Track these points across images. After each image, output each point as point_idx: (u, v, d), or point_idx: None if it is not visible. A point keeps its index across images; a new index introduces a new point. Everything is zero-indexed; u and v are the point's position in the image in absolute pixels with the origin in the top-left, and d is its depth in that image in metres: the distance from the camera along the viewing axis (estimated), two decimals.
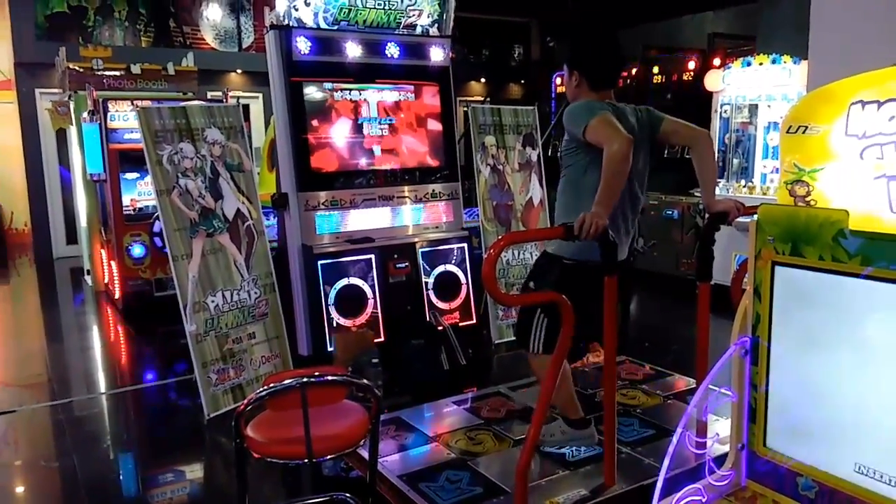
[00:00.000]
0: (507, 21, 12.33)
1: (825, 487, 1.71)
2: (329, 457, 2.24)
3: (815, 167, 1.75)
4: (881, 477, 1.61)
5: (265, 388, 2.07)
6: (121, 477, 3.48)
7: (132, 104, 5.83)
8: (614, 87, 2.95)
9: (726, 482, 1.87)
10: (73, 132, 7.01)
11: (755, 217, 1.83)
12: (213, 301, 3.84)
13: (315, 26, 4.27)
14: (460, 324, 4.62)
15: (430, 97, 4.74)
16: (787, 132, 1.79)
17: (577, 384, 3.71)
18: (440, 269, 4.61)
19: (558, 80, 10.30)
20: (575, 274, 2.80)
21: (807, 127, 1.75)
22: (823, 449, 1.72)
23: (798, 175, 1.78)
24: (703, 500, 1.82)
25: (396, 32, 4.56)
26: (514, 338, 4.87)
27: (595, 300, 2.56)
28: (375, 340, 4.21)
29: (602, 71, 2.90)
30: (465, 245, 4.75)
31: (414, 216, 4.63)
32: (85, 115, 6.15)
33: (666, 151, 6.94)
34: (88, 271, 7.34)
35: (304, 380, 2.06)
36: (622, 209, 2.82)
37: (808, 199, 1.77)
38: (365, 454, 2.44)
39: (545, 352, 2.86)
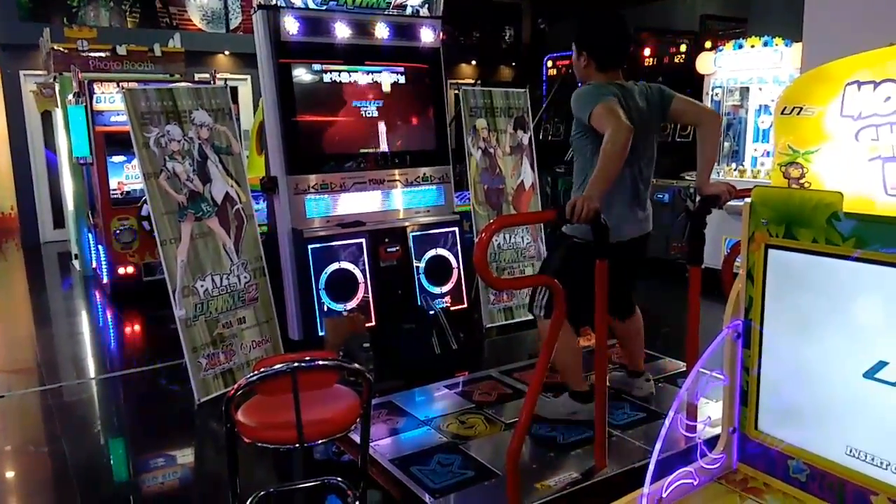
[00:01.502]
0: (497, 2, 12.23)
1: (816, 470, 1.71)
2: (320, 441, 2.23)
3: (809, 149, 1.74)
4: (872, 459, 1.61)
5: (256, 372, 2.05)
6: (110, 462, 3.47)
7: (118, 86, 5.76)
8: (622, 67, 2.96)
9: (717, 465, 1.88)
10: (58, 114, 6.91)
11: (748, 200, 1.82)
12: (202, 285, 3.81)
13: (303, 6, 4.20)
14: (451, 308, 4.61)
15: (421, 79, 4.69)
16: (782, 113, 1.78)
17: None
18: (431, 253, 4.59)
19: (549, 63, 10.24)
20: (583, 252, 2.83)
21: (801, 108, 1.73)
22: (815, 431, 1.73)
23: (792, 157, 1.76)
24: (695, 483, 1.82)
25: (386, 13, 4.50)
26: (505, 321, 4.92)
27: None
28: (366, 325, 4.19)
29: (610, 51, 2.92)
30: (456, 229, 4.73)
31: (405, 200, 4.60)
32: (70, 97, 6.07)
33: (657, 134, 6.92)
34: (76, 256, 7.27)
35: (296, 364, 2.04)
36: (627, 189, 2.88)
37: (802, 181, 1.75)
38: (356, 438, 2.43)
39: (547, 316, 2.96)
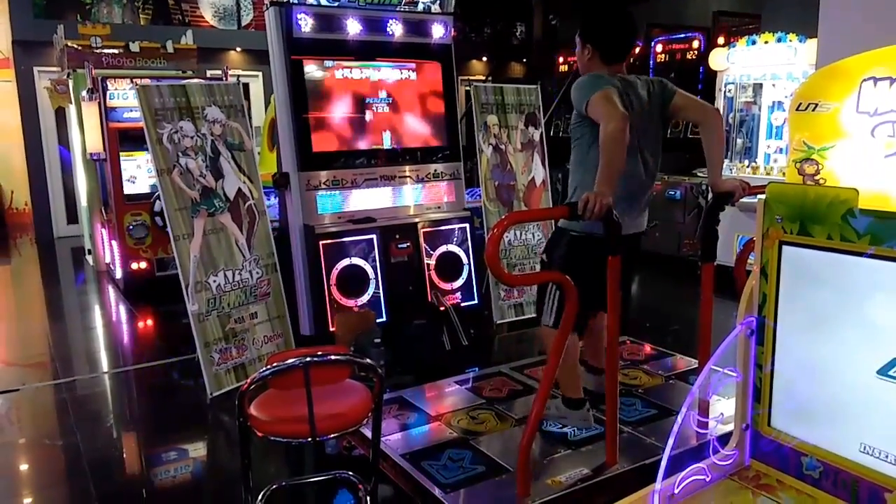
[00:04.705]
0: None
1: (829, 467, 1.71)
2: (332, 435, 2.24)
3: (824, 145, 1.73)
4: (886, 457, 1.60)
5: (269, 366, 2.07)
6: (124, 455, 3.50)
7: (131, 82, 5.79)
8: (626, 61, 2.94)
9: (730, 462, 1.87)
10: (72, 111, 6.96)
11: (763, 196, 1.81)
12: (214, 281, 3.84)
13: (316, 3, 4.21)
14: (462, 304, 4.62)
15: (432, 75, 4.69)
16: (797, 109, 1.77)
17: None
18: (442, 249, 4.59)
19: (560, 59, 10.21)
20: (583, 246, 2.81)
21: (817, 104, 1.72)
22: (828, 429, 1.72)
23: (807, 153, 1.76)
24: (707, 480, 1.82)
25: (398, 9, 4.50)
26: (515, 318, 4.92)
27: (603, 274, 2.54)
28: (377, 320, 4.20)
29: (614, 44, 2.90)
30: (467, 225, 4.73)
31: (415, 196, 4.60)
32: (84, 93, 6.10)
33: (669, 131, 6.88)
34: (90, 251, 7.33)
35: (308, 359, 2.05)
36: (632, 183, 2.82)
37: (817, 177, 1.74)
38: (368, 433, 2.44)
39: (556, 326, 2.90)
